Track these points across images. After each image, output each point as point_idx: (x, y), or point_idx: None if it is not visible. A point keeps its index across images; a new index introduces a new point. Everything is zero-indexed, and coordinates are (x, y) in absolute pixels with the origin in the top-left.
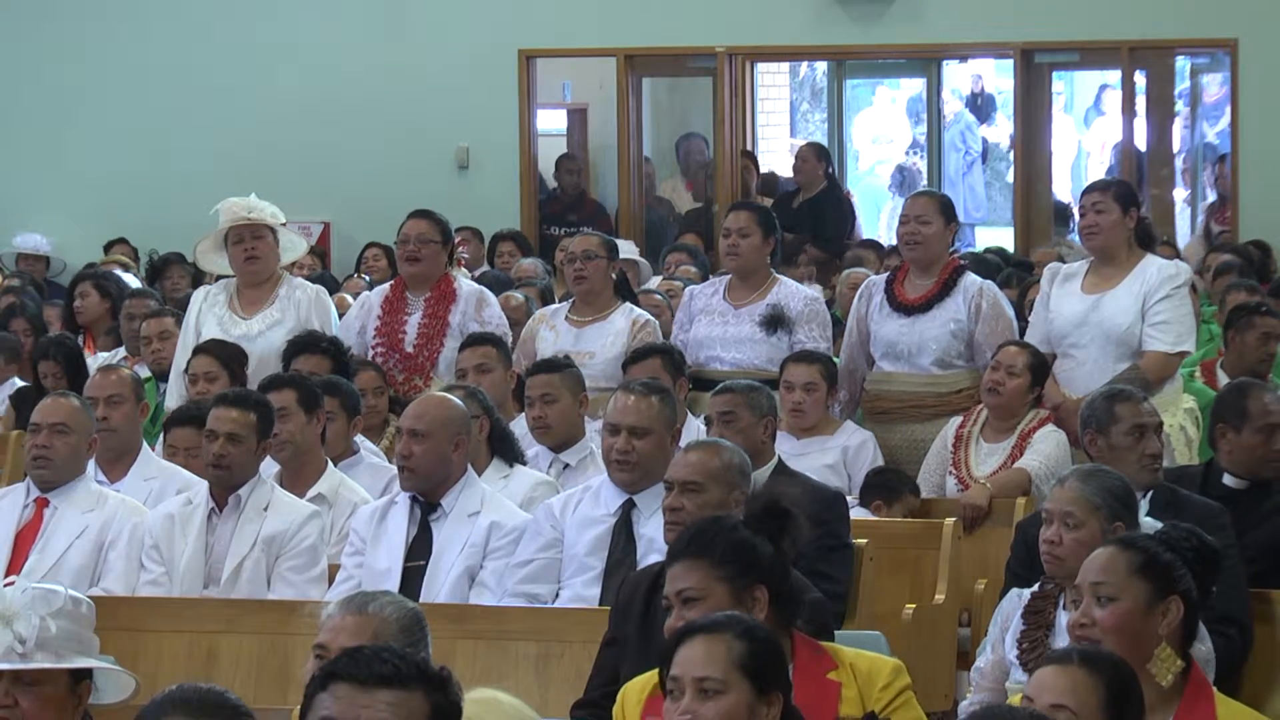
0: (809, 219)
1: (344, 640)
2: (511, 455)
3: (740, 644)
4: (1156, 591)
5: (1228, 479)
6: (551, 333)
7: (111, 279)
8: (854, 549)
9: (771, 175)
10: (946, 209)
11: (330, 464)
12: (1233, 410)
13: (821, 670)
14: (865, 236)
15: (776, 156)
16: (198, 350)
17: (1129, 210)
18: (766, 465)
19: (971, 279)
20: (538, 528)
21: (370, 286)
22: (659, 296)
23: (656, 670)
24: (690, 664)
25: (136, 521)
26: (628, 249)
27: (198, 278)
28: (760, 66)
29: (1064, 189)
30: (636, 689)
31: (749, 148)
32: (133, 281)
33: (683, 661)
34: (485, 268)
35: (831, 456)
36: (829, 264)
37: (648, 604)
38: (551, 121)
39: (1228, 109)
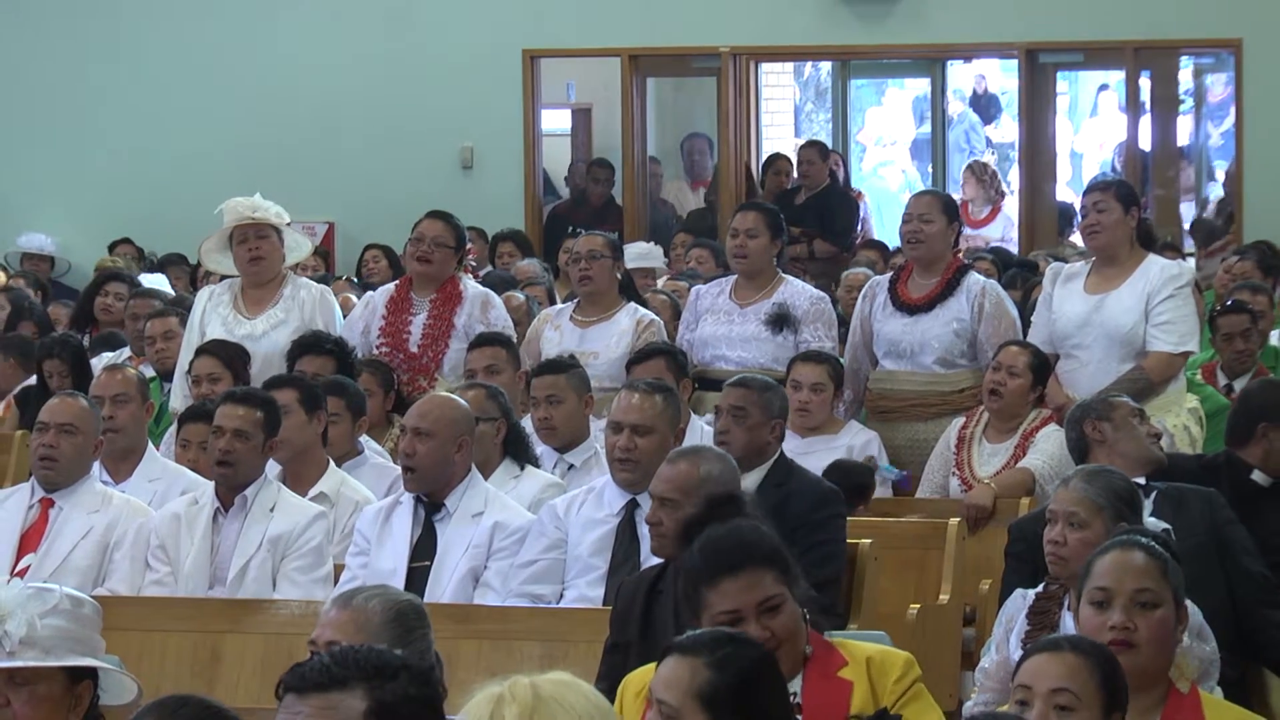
0: (816, 215)
1: (330, 635)
2: (524, 457)
3: (708, 673)
4: (1179, 596)
5: (1257, 474)
6: (556, 333)
7: (139, 285)
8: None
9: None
10: (949, 208)
11: (332, 463)
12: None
13: (833, 669)
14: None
15: None
16: (200, 351)
17: (1130, 209)
18: (765, 464)
19: (975, 278)
20: (541, 528)
21: (362, 290)
22: (665, 296)
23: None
24: (658, 684)
25: (141, 522)
26: (654, 256)
27: (193, 278)
28: (765, 66)
29: (1065, 190)
30: (637, 683)
31: (752, 148)
32: (144, 281)
33: (657, 679)
34: (488, 268)
35: (836, 455)
36: (837, 259)
37: (647, 607)
38: (556, 121)
39: (1232, 109)
